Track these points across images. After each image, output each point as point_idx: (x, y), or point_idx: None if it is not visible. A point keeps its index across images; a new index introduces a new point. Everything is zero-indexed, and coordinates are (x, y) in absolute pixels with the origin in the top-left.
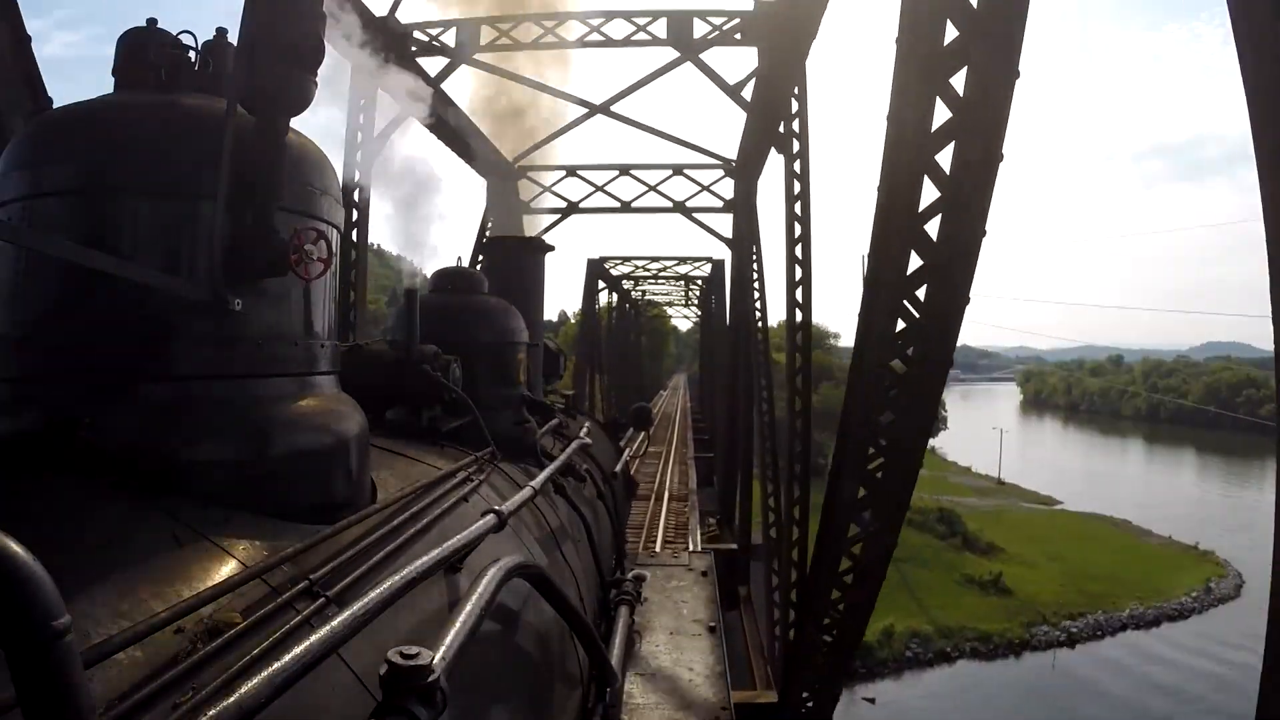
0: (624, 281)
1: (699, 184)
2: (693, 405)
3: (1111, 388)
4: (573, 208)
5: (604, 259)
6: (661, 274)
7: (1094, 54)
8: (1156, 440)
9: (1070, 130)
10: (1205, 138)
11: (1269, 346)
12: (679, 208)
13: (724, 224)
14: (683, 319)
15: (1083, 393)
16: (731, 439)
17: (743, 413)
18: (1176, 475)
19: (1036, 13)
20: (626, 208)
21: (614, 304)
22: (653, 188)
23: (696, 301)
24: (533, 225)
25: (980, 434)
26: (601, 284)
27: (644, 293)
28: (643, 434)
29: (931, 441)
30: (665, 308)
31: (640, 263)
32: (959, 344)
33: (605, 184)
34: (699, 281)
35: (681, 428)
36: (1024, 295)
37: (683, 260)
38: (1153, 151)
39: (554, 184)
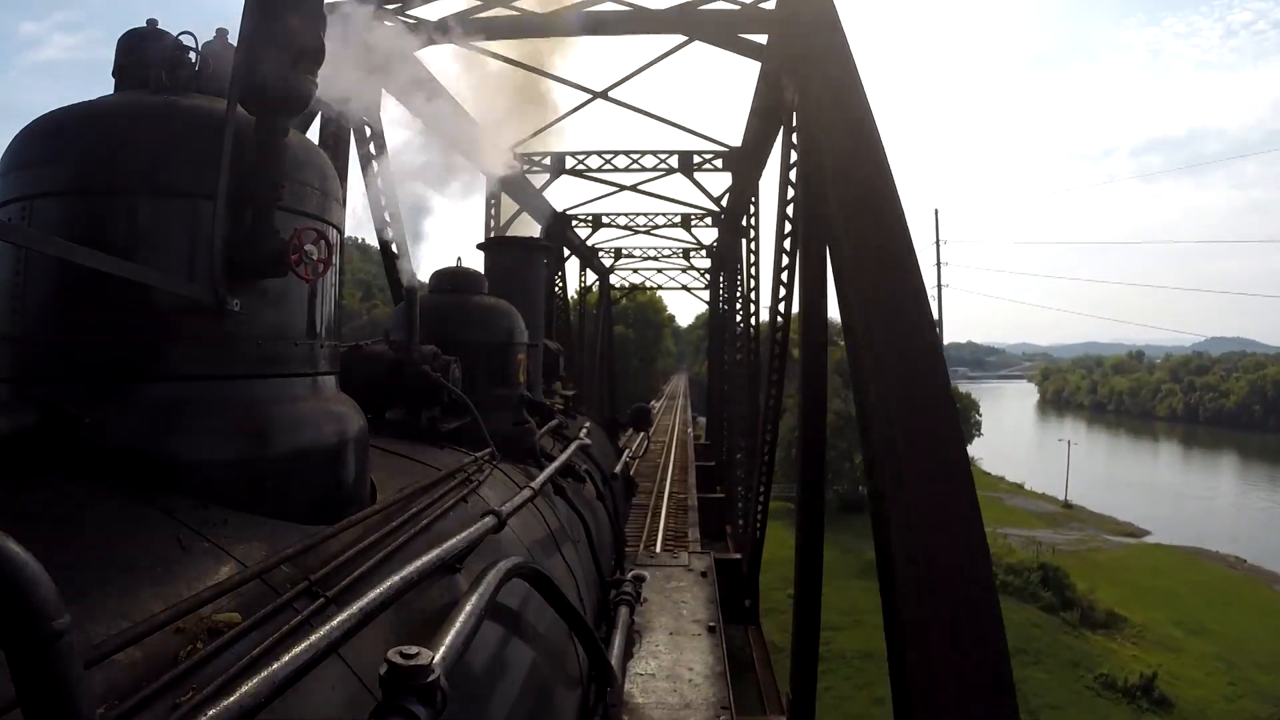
0: (599, 252)
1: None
2: (694, 425)
3: (1143, 386)
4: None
5: (569, 214)
6: (652, 229)
7: (1091, 48)
8: (1197, 443)
9: (1069, 127)
10: (1204, 132)
11: (1276, 341)
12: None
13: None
14: (682, 292)
15: (1109, 391)
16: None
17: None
18: (1249, 489)
19: (1034, 10)
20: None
21: (563, 276)
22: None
23: (704, 271)
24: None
25: (1008, 439)
26: (566, 252)
27: (629, 275)
28: (642, 434)
29: (968, 451)
30: (658, 282)
31: (614, 211)
32: (965, 340)
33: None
34: (704, 251)
35: (677, 502)
36: (1023, 292)
37: (683, 222)
38: (1151, 146)
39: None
